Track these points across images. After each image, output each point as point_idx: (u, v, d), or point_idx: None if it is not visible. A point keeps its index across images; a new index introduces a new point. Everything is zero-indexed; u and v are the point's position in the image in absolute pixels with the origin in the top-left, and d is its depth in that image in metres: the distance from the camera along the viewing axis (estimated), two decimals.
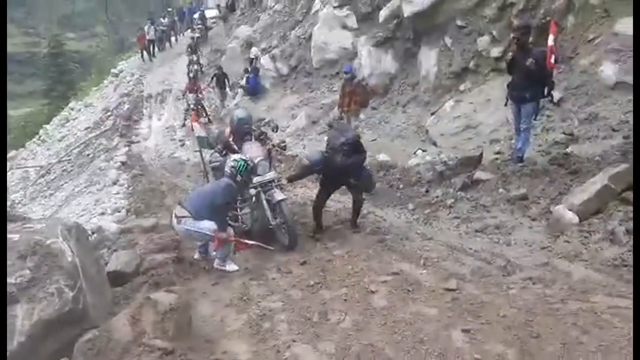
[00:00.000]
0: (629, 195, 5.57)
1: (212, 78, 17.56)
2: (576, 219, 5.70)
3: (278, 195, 6.41)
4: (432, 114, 10.51)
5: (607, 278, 4.75)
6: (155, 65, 24.79)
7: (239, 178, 5.95)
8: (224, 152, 7.04)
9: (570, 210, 5.79)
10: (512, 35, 7.65)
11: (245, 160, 6.03)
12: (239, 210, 6.84)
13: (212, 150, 7.62)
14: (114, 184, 13.41)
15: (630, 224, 5.23)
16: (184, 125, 16.92)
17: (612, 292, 4.46)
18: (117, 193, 12.50)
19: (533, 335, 3.85)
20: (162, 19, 27.23)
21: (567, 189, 6.29)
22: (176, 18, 28.76)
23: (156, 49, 25.64)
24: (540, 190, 6.53)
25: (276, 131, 7.90)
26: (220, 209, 5.80)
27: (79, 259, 4.43)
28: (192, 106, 16.23)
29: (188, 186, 10.68)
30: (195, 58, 20.42)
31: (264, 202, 6.46)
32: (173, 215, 5.72)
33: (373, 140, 10.66)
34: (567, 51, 8.46)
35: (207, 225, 5.55)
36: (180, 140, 16.13)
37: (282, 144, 7.26)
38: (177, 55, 24.47)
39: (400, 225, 6.89)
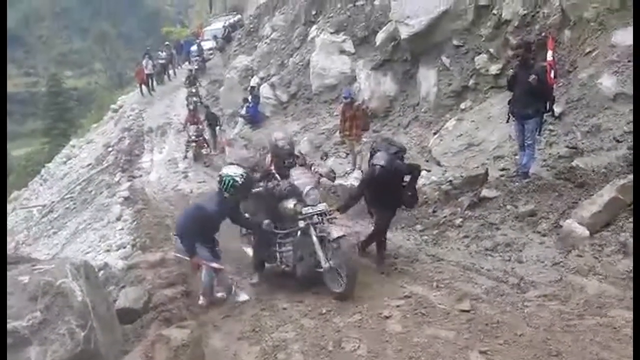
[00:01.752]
0: None
1: (204, 119, 16.98)
2: (587, 233, 5.66)
3: (335, 232, 5.48)
4: (435, 133, 10.53)
5: (623, 291, 4.69)
6: (154, 99, 25.00)
7: (226, 195, 5.44)
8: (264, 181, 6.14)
9: (580, 224, 5.75)
10: (513, 52, 7.74)
11: (232, 176, 5.45)
12: (277, 246, 6.01)
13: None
14: (118, 219, 13.36)
15: None
16: (185, 157, 16.98)
17: (629, 306, 4.40)
18: (122, 229, 12.44)
19: (552, 354, 3.79)
20: (159, 53, 27.56)
21: (576, 202, 6.25)
22: (174, 51, 29.10)
23: (155, 82, 25.87)
24: (549, 205, 6.49)
25: (325, 159, 7.51)
26: (188, 231, 5.43)
27: (89, 298, 4.37)
28: (193, 138, 16.32)
29: None
30: (194, 90, 20.60)
31: (314, 238, 5.54)
32: None
33: None
34: (566, 65, 8.52)
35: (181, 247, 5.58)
36: (183, 173, 16.14)
37: (332, 174, 6.39)
38: (175, 88, 24.70)
39: (410, 247, 6.83)
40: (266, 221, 5.97)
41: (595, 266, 5.21)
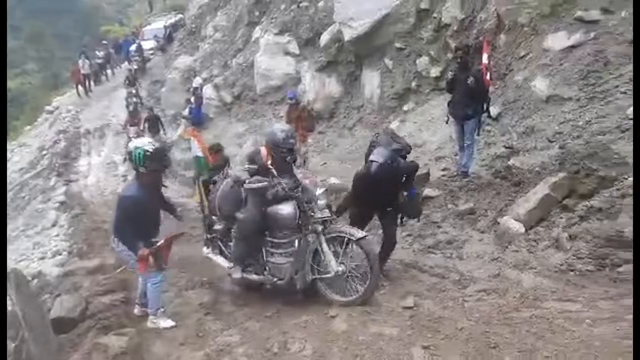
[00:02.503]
0: (569, 202, 5.81)
1: (145, 122, 16.20)
2: (522, 229, 5.89)
3: (357, 232, 4.96)
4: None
5: (556, 284, 4.92)
6: (92, 100, 24.09)
7: (142, 170, 4.75)
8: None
9: (516, 220, 5.98)
10: (452, 55, 7.96)
11: (141, 147, 4.75)
12: (265, 254, 5.29)
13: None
14: (54, 225, 12.80)
15: (573, 230, 5.45)
16: (126, 159, 16.46)
17: (562, 297, 4.62)
18: (57, 235, 11.93)
19: (491, 346, 3.90)
20: (97, 52, 26.60)
21: (512, 200, 6.50)
22: (112, 50, 28.17)
23: (92, 83, 24.95)
24: (487, 203, 6.72)
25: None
26: (121, 227, 4.80)
27: (19, 307, 4.15)
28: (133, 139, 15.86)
29: None
30: (134, 90, 20.00)
31: (324, 242, 4.99)
32: None
33: (323, 164, 10.71)
34: (502, 68, 8.84)
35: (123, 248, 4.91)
36: (123, 176, 15.63)
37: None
38: (114, 89, 23.91)
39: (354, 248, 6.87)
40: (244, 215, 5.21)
41: (530, 261, 5.43)
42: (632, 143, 6.19)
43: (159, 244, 4.87)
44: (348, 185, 8.94)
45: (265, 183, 5.10)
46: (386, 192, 5.45)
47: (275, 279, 5.19)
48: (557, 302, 4.55)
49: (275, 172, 5.13)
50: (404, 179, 5.53)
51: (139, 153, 4.70)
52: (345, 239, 4.95)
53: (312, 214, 4.99)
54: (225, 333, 4.82)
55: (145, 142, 4.89)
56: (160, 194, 5.29)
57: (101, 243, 9.22)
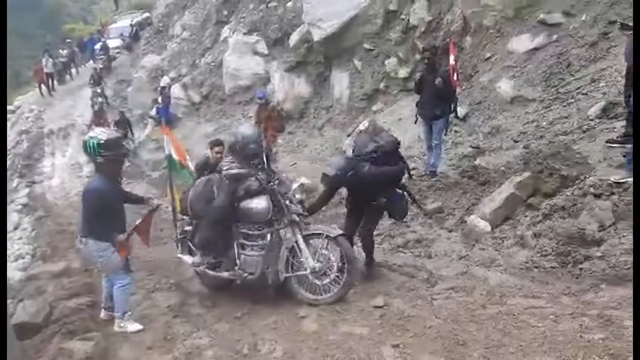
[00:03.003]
0: (533, 201, 5.95)
1: (114, 125, 15.56)
2: (488, 227, 6.01)
3: (334, 230, 4.98)
4: (349, 135, 10.75)
5: (521, 280, 5.03)
6: (55, 100, 23.51)
7: (100, 160, 4.63)
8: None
9: (482, 219, 6.10)
10: (420, 56, 8.07)
11: (93, 136, 4.65)
12: (237, 248, 5.18)
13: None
14: (16, 228, 12.46)
15: (537, 228, 5.58)
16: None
17: (527, 294, 4.73)
18: (20, 238, 11.62)
19: (459, 343, 3.96)
20: (60, 51, 25.96)
21: (479, 199, 6.62)
22: (76, 49, 27.54)
23: (55, 82, 24.35)
24: (455, 202, 6.83)
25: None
26: (92, 219, 4.66)
27: None
28: None
29: None
30: (99, 90, 19.60)
31: (300, 239, 4.94)
32: None
33: (293, 164, 10.71)
34: (468, 69, 9.00)
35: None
36: (88, 177, 15.29)
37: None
38: (79, 88, 23.38)
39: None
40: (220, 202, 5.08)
41: (496, 258, 5.54)
42: (592, 143, 6.40)
43: (137, 222, 4.86)
44: (317, 185, 9.00)
45: (244, 171, 5.10)
46: (361, 196, 5.39)
47: (246, 274, 5.12)
48: (522, 298, 4.65)
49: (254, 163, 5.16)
50: (378, 185, 5.25)
51: (93, 142, 4.61)
52: (324, 236, 4.95)
53: (288, 206, 4.96)
54: (194, 335, 4.77)
55: (99, 132, 4.84)
56: (121, 187, 5.24)
57: (66, 246, 9.02)
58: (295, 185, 5.13)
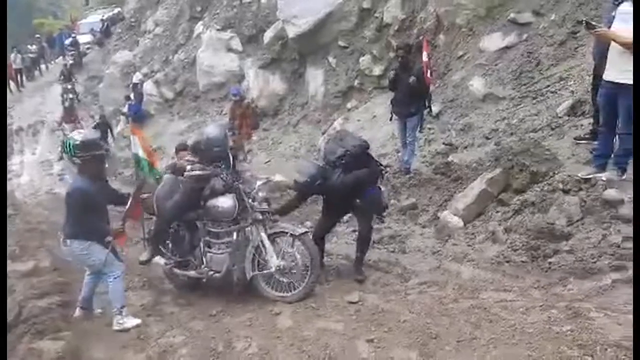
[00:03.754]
0: (505, 197, 6.06)
1: (94, 128, 14.86)
2: (461, 223, 6.10)
3: (299, 228, 5.03)
4: (323, 133, 10.78)
5: (493, 275, 5.12)
6: (24, 96, 22.97)
7: (77, 160, 4.68)
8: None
9: (455, 215, 6.19)
10: (394, 54, 8.13)
11: (70, 137, 4.77)
12: (203, 247, 5.17)
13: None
14: None
15: (508, 223, 5.69)
16: (61, 158, 15.79)
17: (498, 288, 4.82)
18: None
19: (432, 337, 4.01)
20: (29, 46, 25.36)
21: (451, 195, 6.71)
22: (45, 44, 26.94)
23: (24, 78, 23.79)
24: (428, 199, 6.91)
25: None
26: (81, 218, 4.67)
27: None
28: None
29: None
30: (69, 86, 19.21)
31: (264, 237, 4.93)
32: None
33: (267, 161, 10.69)
34: (441, 67, 9.11)
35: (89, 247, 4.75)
36: (58, 175, 15.02)
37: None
38: (48, 84, 22.90)
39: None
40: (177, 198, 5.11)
41: (468, 253, 5.62)
42: (561, 140, 6.55)
43: (128, 204, 4.97)
44: (292, 182, 9.00)
45: (206, 172, 5.07)
46: (338, 201, 5.42)
47: (212, 272, 5.12)
48: (493, 292, 4.73)
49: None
50: (350, 190, 5.28)
51: (69, 143, 4.70)
52: (288, 234, 4.98)
53: (252, 205, 4.98)
54: (168, 334, 4.72)
55: (75, 133, 4.94)
56: (107, 186, 5.22)
57: (36, 245, 8.80)
58: (259, 183, 5.13)
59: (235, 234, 5.07)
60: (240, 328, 4.59)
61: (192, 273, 5.30)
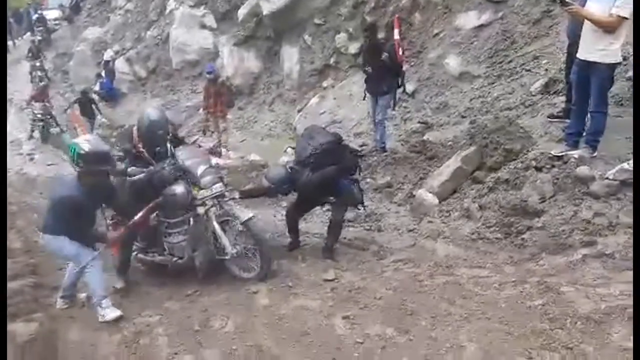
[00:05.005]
0: (479, 174, 6.13)
1: (73, 104, 14.48)
2: (436, 201, 6.16)
3: (243, 213, 4.91)
4: (299, 111, 10.72)
5: (467, 251, 5.20)
6: None
7: (78, 170, 4.43)
8: (132, 163, 5.03)
9: (430, 192, 6.24)
10: (363, 33, 8.09)
11: (76, 143, 4.44)
12: (165, 236, 5.13)
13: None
14: None
15: (482, 200, 5.75)
16: (31, 137, 15.39)
17: (472, 264, 4.90)
18: None
19: (408, 313, 4.08)
20: None
21: (427, 173, 6.76)
22: (12, 20, 26.02)
23: None
24: (403, 177, 6.95)
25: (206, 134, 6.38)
26: (71, 224, 4.44)
27: None
28: (39, 116, 14.79)
29: (43, 204, 9.73)
30: (38, 64, 18.65)
31: (215, 224, 4.92)
32: None
33: (242, 140, 10.61)
34: (417, 46, 9.08)
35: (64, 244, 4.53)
36: (28, 155, 14.64)
37: (218, 149, 5.77)
38: (15, 62, 22.16)
39: (276, 224, 6.89)
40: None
41: (443, 231, 5.69)
42: (534, 118, 6.63)
43: (136, 218, 4.71)
44: (267, 161, 8.97)
45: (143, 174, 4.88)
46: (311, 199, 5.53)
47: (174, 258, 5.11)
48: (467, 268, 4.81)
49: (148, 157, 4.97)
50: (322, 188, 5.28)
51: (73, 149, 4.39)
52: (235, 220, 4.94)
53: (195, 195, 4.88)
54: (143, 314, 4.68)
55: (83, 140, 4.52)
56: (108, 199, 4.81)
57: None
58: (201, 169, 4.94)
59: (191, 220, 4.98)
60: (216, 307, 4.58)
61: (157, 259, 5.30)
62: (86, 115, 14.15)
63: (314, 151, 5.18)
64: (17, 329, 3.92)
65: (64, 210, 4.40)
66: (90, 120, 14.33)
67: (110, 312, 4.59)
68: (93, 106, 14.29)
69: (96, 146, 4.50)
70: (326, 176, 5.18)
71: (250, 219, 4.90)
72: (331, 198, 5.48)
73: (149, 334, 4.31)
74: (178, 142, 5.46)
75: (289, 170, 5.31)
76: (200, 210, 4.90)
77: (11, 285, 5.52)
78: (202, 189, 4.90)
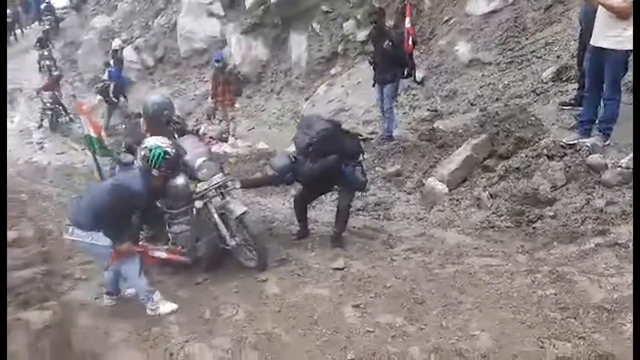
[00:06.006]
0: (490, 162, 6.09)
1: (105, 89, 14.00)
2: (446, 189, 6.13)
3: (237, 208, 4.88)
4: (307, 99, 10.67)
5: (477, 240, 5.17)
6: None
7: (155, 172, 4.32)
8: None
9: (440, 181, 6.20)
10: (369, 19, 8.01)
11: (162, 147, 4.33)
12: (168, 227, 5.11)
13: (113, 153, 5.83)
14: None
15: (493, 189, 5.72)
16: (41, 126, 15.47)
17: (483, 253, 4.87)
18: None
19: (418, 302, 4.06)
20: None
21: (436, 161, 6.72)
22: (20, 9, 26.01)
23: None
24: (413, 165, 6.91)
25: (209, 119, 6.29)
26: (107, 216, 4.18)
27: None
28: (48, 105, 14.85)
29: (53, 192, 9.81)
30: (46, 53, 18.64)
31: (215, 216, 4.91)
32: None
33: (250, 129, 10.59)
34: (426, 33, 8.99)
35: (98, 236, 4.29)
36: (38, 143, 14.73)
37: (224, 135, 5.89)
38: (24, 51, 22.20)
39: (285, 212, 6.89)
40: None
41: (454, 219, 5.67)
42: (546, 105, 6.56)
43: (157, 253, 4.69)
44: (275, 149, 8.95)
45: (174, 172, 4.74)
46: (315, 187, 5.47)
47: (180, 248, 5.03)
48: (478, 257, 4.79)
49: None
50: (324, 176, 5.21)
51: (159, 154, 4.29)
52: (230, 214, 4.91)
53: (192, 189, 4.83)
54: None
55: (161, 142, 4.41)
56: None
57: (16, 215, 8.66)
58: (198, 162, 4.87)
59: (193, 211, 4.93)
60: (227, 295, 4.61)
61: (162, 248, 5.16)
62: (107, 102, 13.91)
63: (312, 140, 5.08)
64: (31, 317, 3.95)
65: (118, 201, 4.20)
66: (111, 107, 14.04)
67: (163, 306, 4.48)
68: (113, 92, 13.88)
69: (177, 149, 4.52)
70: (326, 165, 5.10)
71: (243, 213, 4.85)
72: (335, 186, 5.46)
73: (160, 322, 4.33)
74: (183, 132, 5.42)
75: (293, 159, 5.24)
76: (198, 204, 4.83)
77: (23, 273, 5.58)
78: (200, 181, 4.86)
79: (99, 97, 14.32)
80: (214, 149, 6.20)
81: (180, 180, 4.86)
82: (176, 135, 5.22)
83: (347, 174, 5.28)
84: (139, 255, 4.45)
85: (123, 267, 4.43)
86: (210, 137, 5.59)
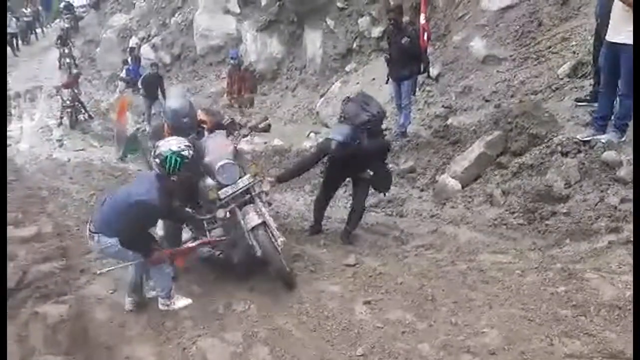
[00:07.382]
0: (503, 159, 6.05)
1: (141, 85, 13.39)
2: (459, 186, 6.11)
3: (251, 220, 4.51)
4: (321, 96, 10.69)
5: (489, 237, 5.16)
6: (20, 61, 22.67)
7: (174, 178, 4.15)
8: None
9: (453, 178, 6.19)
10: (387, 16, 8.00)
11: (177, 151, 4.07)
12: (208, 231, 4.81)
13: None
14: None
15: (506, 186, 5.69)
16: (60, 123, 15.72)
17: (495, 250, 4.86)
18: None
19: (428, 299, 4.07)
20: (24, 10, 24.89)
21: (450, 158, 6.70)
22: (40, 7, 26.45)
23: (20, 42, 23.44)
24: (426, 162, 6.90)
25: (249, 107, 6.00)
26: (134, 232, 4.14)
27: None
28: (68, 103, 15.09)
29: (72, 189, 9.99)
30: (66, 50, 18.95)
31: (242, 222, 4.57)
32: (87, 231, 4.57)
33: None
34: (441, 29, 8.95)
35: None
36: (58, 140, 14.98)
37: (267, 125, 5.28)
38: (45, 49, 22.58)
39: (299, 208, 6.94)
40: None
41: (466, 216, 5.65)
42: (561, 102, 6.50)
43: (181, 248, 4.64)
44: (290, 146, 9.00)
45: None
46: (351, 168, 5.30)
47: (218, 253, 5.01)
48: (490, 254, 4.77)
49: None
50: (371, 157, 5.19)
51: (176, 160, 4.08)
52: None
53: (223, 189, 4.58)
54: None
55: (183, 146, 4.16)
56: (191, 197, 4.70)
57: (36, 210, 8.85)
58: (218, 165, 4.55)
59: (223, 214, 4.57)
60: (240, 290, 4.65)
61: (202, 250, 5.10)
62: (148, 98, 13.26)
63: (371, 119, 5.05)
64: (48, 310, 4.05)
65: (143, 217, 4.15)
66: (154, 103, 13.19)
67: (177, 301, 4.53)
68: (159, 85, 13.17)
69: (195, 149, 4.31)
70: (383, 146, 5.26)
71: (256, 226, 4.50)
72: (365, 173, 5.28)
73: (173, 317, 4.41)
74: (219, 126, 5.19)
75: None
76: (220, 213, 4.49)
77: (42, 267, 5.71)
78: (222, 186, 4.60)
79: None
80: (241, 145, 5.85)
81: (209, 182, 4.69)
82: (206, 134, 5.08)
83: (380, 167, 5.35)
84: (170, 260, 4.45)
85: (153, 271, 4.46)
86: (250, 128, 5.20)
